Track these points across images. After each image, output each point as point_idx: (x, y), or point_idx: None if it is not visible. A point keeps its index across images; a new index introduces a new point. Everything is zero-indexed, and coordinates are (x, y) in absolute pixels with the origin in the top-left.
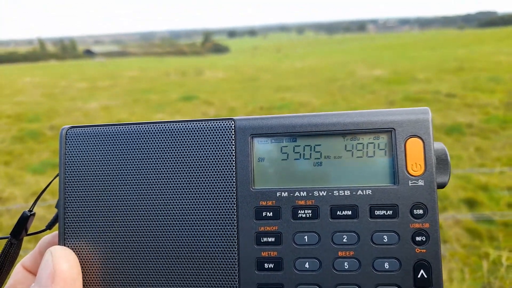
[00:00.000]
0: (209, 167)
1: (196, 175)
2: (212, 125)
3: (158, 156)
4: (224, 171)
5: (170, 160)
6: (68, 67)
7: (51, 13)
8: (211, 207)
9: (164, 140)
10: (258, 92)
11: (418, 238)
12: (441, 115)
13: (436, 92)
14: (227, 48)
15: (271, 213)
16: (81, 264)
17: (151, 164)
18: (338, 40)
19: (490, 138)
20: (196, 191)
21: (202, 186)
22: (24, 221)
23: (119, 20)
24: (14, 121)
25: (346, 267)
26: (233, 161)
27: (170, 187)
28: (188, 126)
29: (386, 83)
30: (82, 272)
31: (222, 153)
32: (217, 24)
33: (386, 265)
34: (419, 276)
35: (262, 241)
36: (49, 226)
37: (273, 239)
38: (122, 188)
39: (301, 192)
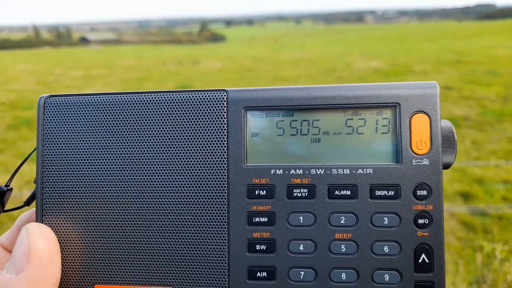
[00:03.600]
0: (199, 141)
1: (185, 150)
2: (202, 96)
3: (144, 128)
4: (215, 146)
5: (157, 133)
6: (63, 54)
7: None
8: (200, 183)
9: (151, 111)
10: (255, 82)
11: (420, 221)
12: None
13: None
14: (224, 37)
15: (264, 191)
16: (59, 243)
17: (137, 136)
18: (336, 30)
19: (486, 131)
20: (184, 166)
21: (191, 161)
22: (0, 196)
23: (115, 7)
24: (8, 108)
25: (343, 250)
26: (225, 135)
27: (156, 161)
28: (177, 97)
29: (384, 75)
30: (61, 251)
31: (213, 127)
32: (214, 12)
33: (386, 249)
34: (420, 261)
35: (254, 221)
36: (27, 202)
37: (266, 219)
38: (104, 162)
39: (297, 170)
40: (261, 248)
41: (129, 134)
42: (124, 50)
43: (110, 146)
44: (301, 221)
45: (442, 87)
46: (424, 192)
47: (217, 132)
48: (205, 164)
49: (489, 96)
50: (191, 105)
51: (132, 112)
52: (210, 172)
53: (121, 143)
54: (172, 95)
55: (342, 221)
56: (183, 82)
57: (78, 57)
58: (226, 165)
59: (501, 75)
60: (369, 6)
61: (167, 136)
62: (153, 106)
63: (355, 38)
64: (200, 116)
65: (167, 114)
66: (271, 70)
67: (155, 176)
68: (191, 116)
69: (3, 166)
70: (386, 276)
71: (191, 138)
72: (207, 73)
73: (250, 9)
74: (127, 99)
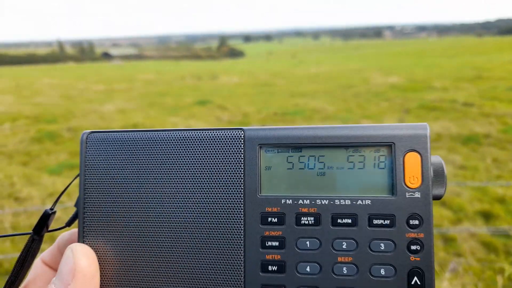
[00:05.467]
0: (219, 174)
1: (207, 181)
2: (223, 134)
3: (172, 161)
4: (233, 178)
5: (182, 166)
6: (86, 69)
7: (70, 15)
8: (220, 211)
9: (177, 147)
10: (272, 98)
11: (413, 247)
12: (458, 125)
13: (453, 100)
14: (242, 52)
15: (276, 219)
16: (98, 261)
17: (165, 169)
18: (354, 46)
19: (507, 149)
20: (207, 196)
21: (212, 191)
22: (45, 218)
23: (136, 23)
24: (32, 122)
25: (344, 272)
26: (242, 169)
27: (182, 191)
28: (201, 135)
29: (402, 91)
30: (100, 269)
31: (232, 161)
32: (232, 28)
33: (382, 271)
34: (412, 283)
35: (266, 245)
36: (68, 224)
37: (277, 243)
38: (137, 190)
39: (305, 200)
40: (273, 269)
41: (158, 166)
42: (145, 65)
43: (142, 176)
44: (308, 246)
45: (462, 103)
46: (416, 222)
47: (235, 166)
48: (225, 194)
49: (510, 112)
50: (213, 142)
51: (161, 147)
52: (229, 201)
53: (151, 173)
54: (197, 132)
55: (344, 246)
56: (201, 96)
57: (100, 72)
58: (242, 195)
59: None
60: (388, 22)
61: (192, 169)
62: (180, 142)
63: (373, 54)
64: (221, 152)
65: (192, 150)
66: (288, 85)
67: (181, 204)
68: (213, 151)
69: (26, 178)
70: None
71: (212, 171)
72: (224, 88)
73: (268, 25)
74: (157, 136)
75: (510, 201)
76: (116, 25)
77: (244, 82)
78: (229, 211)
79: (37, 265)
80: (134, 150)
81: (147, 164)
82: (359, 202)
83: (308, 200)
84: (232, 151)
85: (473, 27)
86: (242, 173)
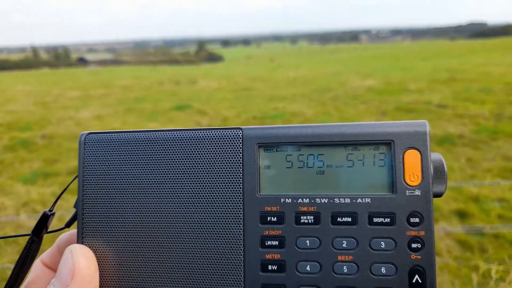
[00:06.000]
0: (218, 173)
1: (206, 181)
2: (221, 133)
3: (170, 162)
4: (232, 178)
5: (180, 166)
6: (61, 75)
7: (44, 20)
8: (219, 211)
9: (175, 147)
10: (251, 102)
11: (413, 245)
12: (433, 126)
13: (428, 102)
14: (221, 57)
15: (275, 218)
16: (97, 261)
17: (164, 169)
18: (331, 50)
19: (481, 148)
20: (206, 196)
21: (211, 191)
22: (44, 220)
23: (113, 28)
24: (5, 129)
25: (345, 271)
26: (241, 168)
27: (181, 191)
28: (199, 134)
29: (378, 93)
30: (99, 269)
31: (230, 161)
32: (211, 33)
33: (383, 270)
34: (414, 281)
35: (266, 244)
36: (68, 225)
37: (277, 243)
38: (136, 190)
39: (304, 199)
40: (273, 268)
41: (156, 166)
42: (122, 70)
43: (141, 176)
44: (308, 245)
45: (436, 105)
46: (417, 220)
47: (234, 166)
48: (224, 194)
49: (483, 113)
50: (212, 141)
51: (159, 147)
52: (228, 201)
53: (149, 173)
54: (195, 132)
55: (344, 245)
56: (180, 102)
57: (76, 78)
58: (241, 195)
59: (494, 93)
60: (364, 26)
61: (191, 169)
62: (178, 142)
63: (350, 57)
64: (219, 151)
65: (191, 149)
66: (267, 89)
67: (179, 204)
68: (211, 151)
69: None
70: None
71: (211, 171)
72: (203, 92)
73: (246, 30)
74: (155, 136)
75: (484, 200)
76: (92, 30)
77: (223, 87)
78: (228, 211)
79: (37, 266)
80: (132, 150)
81: (145, 165)
82: (359, 200)
83: (307, 199)
84: (230, 150)
85: (446, 31)
86: (241, 173)
